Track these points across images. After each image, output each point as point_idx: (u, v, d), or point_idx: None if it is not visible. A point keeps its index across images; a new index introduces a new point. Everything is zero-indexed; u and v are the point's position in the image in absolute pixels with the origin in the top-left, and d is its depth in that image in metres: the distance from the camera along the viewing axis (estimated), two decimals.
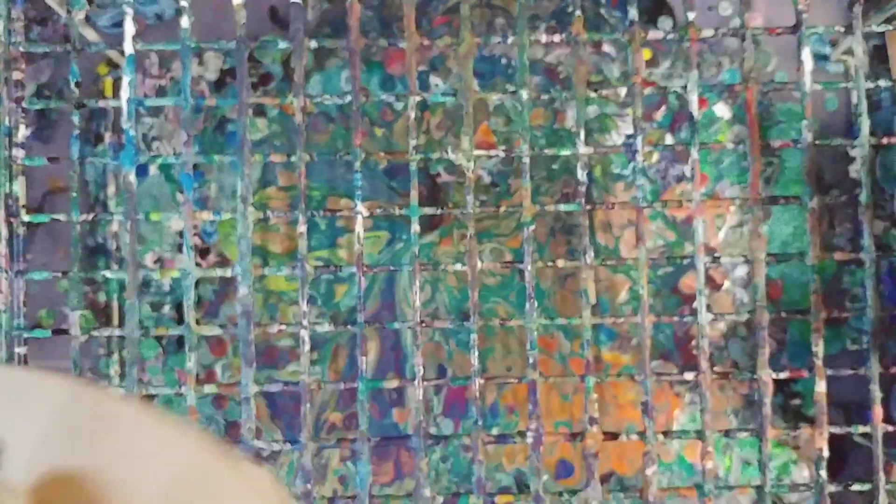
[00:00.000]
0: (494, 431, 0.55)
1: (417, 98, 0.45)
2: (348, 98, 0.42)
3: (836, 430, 0.42)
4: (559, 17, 0.69)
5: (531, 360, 0.46)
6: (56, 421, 0.24)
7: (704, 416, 0.41)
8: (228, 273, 0.42)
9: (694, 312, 0.45)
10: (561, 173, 0.65)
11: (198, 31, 0.43)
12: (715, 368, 0.45)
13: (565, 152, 0.48)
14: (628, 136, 0.62)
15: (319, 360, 0.63)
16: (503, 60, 0.68)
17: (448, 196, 0.64)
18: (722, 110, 0.68)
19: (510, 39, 0.43)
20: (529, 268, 0.46)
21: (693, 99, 0.42)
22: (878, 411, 0.42)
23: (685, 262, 0.47)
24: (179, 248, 0.69)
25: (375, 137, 0.64)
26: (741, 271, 0.62)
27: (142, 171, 0.68)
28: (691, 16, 0.43)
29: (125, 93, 0.42)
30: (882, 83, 0.44)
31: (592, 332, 0.46)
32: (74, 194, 0.43)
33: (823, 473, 0.41)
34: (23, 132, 0.44)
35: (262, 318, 0.60)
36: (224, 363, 0.67)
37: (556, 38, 0.43)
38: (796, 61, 0.43)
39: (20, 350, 0.43)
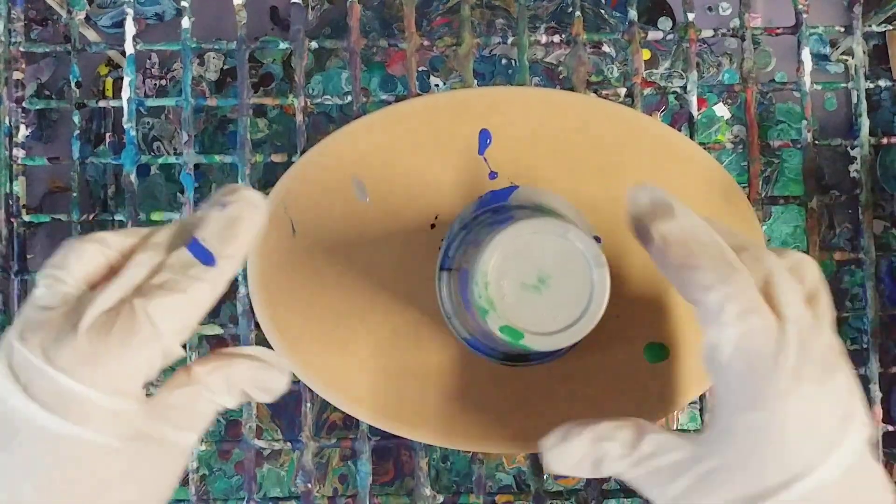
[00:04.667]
0: None
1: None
2: (349, 98, 0.42)
3: None
4: (559, 18, 0.69)
5: None
6: None
7: (704, 415, 0.41)
8: None
9: None
10: None
11: (198, 32, 0.43)
12: None
13: None
14: None
15: None
16: (503, 61, 0.68)
17: None
18: (721, 110, 0.69)
19: (510, 40, 0.43)
20: None
21: (692, 99, 0.42)
22: (878, 411, 0.42)
23: None
24: None
25: None
26: None
27: (143, 171, 0.68)
28: (691, 16, 0.43)
29: (126, 93, 0.42)
30: (882, 83, 0.44)
31: None
32: (75, 194, 0.43)
33: None
34: (23, 132, 0.44)
35: None
36: None
37: (556, 38, 0.43)
38: (796, 61, 0.43)
39: None
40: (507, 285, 0.30)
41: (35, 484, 0.26)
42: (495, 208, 0.37)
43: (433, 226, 0.39)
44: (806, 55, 0.43)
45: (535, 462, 0.41)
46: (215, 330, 0.42)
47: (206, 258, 0.29)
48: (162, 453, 0.29)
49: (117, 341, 0.27)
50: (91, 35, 0.59)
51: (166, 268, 0.29)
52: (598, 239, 0.38)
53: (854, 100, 0.43)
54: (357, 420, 0.40)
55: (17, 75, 0.43)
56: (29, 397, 0.26)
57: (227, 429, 0.67)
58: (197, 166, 0.42)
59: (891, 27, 0.45)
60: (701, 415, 0.41)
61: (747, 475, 0.27)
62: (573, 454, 0.31)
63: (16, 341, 0.27)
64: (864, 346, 0.42)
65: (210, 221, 0.30)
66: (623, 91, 0.43)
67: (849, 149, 0.43)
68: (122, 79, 0.42)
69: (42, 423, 0.26)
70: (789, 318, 0.28)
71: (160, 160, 0.43)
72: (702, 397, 0.41)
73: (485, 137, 0.39)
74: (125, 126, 0.42)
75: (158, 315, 0.28)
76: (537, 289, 0.30)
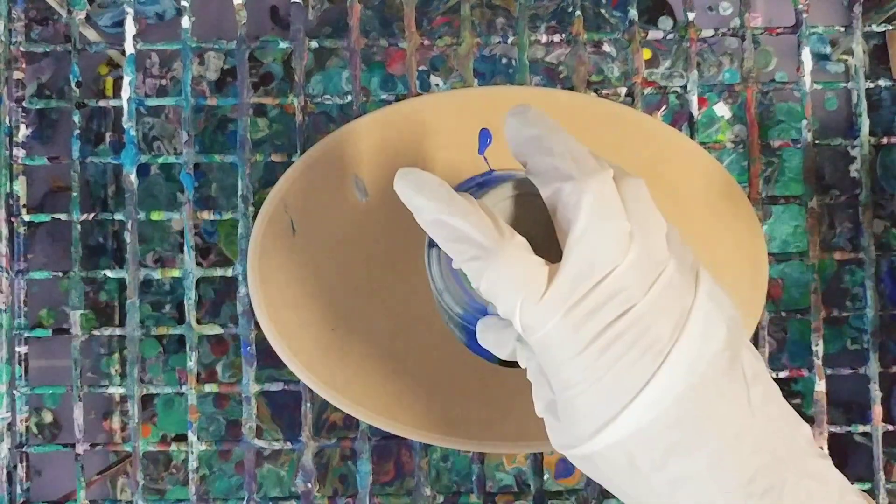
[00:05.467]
0: None
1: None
2: (349, 98, 0.42)
3: (836, 429, 0.42)
4: (559, 17, 0.69)
5: None
6: None
7: None
8: (229, 273, 0.42)
9: None
10: None
11: (198, 31, 0.43)
12: None
13: None
14: None
15: None
16: (503, 60, 0.68)
17: None
18: (722, 110, 0.69)
19: (510, 39, 0.43)
20: None
21: (693, 99, 0.42)
22: (878, 411, 0.42)
23: None
24: (180, 248, 0.70)
25: None
26: None
27: (143, 170, 0.68)
28: (691, 16, 0.43)
29: (126, 92, 0.42)
30: (882, 83, 0.44)
31: None
32: (75, 194, 0.43)
33: None
34: (23, 132, 0.44)
35: None
36: (225, 362, 0.67)
37: (557, 37, 0.43)
38: (796, 61, 0.43)
39: (21, 349, 0.43)
40: None
41: None
42: (480, 182, 0.37)
43: None
44: (806, 55, 0.43)
45: (536, 462, 0.41)
46: (215, 330, 0.42)
47: None
48: None
49: None
50: (91, 35, 0.59)
51: None
52: None
53: (854, 99, 0.43)
54: (357, 420, 0.40)
55: (17, 75, 0.43)
56: None
57: (228, 429, 0.67)
58: (197, 166, 0.42)
59: (891, 27, 0.45)
60: None
61: (564, 428, 0.28)
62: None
63: None
64: (865, 345, 0.42)
65: None
66: (623, 90, 0.43)
67: (849, 148, 0.43)
68: (122, 78, 0.42)
69: None
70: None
71: (160, 160, 0.43)
72: None
73: (485, 137, 0.39)
74: (125, 126, 0.42)
75: None
76: None
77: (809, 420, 0.32)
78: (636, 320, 0.26)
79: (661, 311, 0.26)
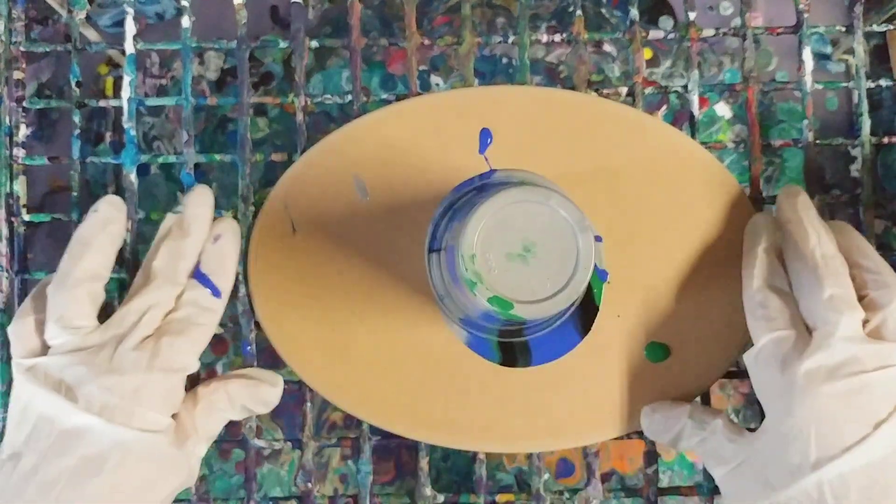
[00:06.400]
0: None
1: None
2: (349, 97, 0.42)
3: None
4: (560, 17, 0.69)
5: None
6: None
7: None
8: None
9: None
10: None
11: (199, 31, 0.43)
12: None
13: None
14: None
15: None
16: (504, 60, 0.68)
17: None
18: (723, 110, 0.68)
19: (511, 39, 0.43)
20: None
21: (694, 98, 0.42)
22: None
23: None
24: None
25: None
26: None
27: (143, 170, 0.68)
28: (692, 15, 0.43)
29: (126, 92, 0.42)
30: (883, 83, 0.44)
31: None
32: (75, 194, 0.43)
33: None
34: (23, 132, 0.44)
35: None
36: (225, 362, 0.67)
37: (557, 37, 0.43)
38: (797, 61, 0.43)
39: None
40: (493, 256, 0.30)
41: (98, 484, 0.31)
42: (480, 186, 0.37)
43: None
44: (807, 54, 0.43)
45: (535, 462, 0.41)
46: (216, 329, 0.42)
47: (215, 290, 0.35)
48: (184, 460, 0.34)
49: (158, 377, 0.33)
50: (91, 34, 0.59)
51: (185, 303, 0.35)
52: (598, 238, 0.38)
53: (855, 99, 0.43)
54: (357, 419, 0.40)
55: (17, 75, 0.43)
56: (86, 412, 0.31)
57: (228, 429, 0.67)
58: (197, 165, 0.42)
59: (891, 27, 0.45)
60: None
61: (777, 463, 0.31)
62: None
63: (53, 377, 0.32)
64: None
65: (210, 256, 0.36)
66: (624, 90, 0.43)
67: (850, 148, 0.43)
68: (122, 78, 0.42)
69: (102, 432, 0.31)
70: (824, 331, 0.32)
71: (160, 159, 0.43)
72: (702, 396, 0.41)
73: (485, 137, 0.39)
74: (125, 125, 0.42)
75: (186, 349, 0.34)
76: (523, 258, 0.30)
77: None
78: (871, 383, 0.30)
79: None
